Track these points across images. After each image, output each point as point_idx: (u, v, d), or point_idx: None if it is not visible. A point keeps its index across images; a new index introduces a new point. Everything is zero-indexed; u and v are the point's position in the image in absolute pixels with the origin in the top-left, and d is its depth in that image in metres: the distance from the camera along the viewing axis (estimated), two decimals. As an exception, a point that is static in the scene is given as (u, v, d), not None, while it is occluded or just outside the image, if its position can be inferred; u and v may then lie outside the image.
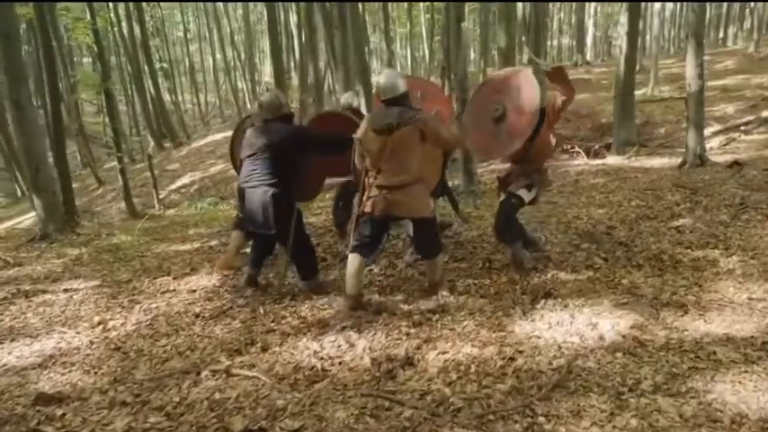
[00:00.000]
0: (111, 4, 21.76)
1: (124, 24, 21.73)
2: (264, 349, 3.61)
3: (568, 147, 11.64)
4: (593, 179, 8.41)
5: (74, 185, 15.59)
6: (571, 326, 3.61)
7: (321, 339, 3.67)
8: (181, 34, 38.36)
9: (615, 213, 6.35)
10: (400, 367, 3.20)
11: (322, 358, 3.40)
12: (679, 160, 8.65)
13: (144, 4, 25.81)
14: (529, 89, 4.23)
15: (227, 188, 13.52)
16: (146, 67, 22.06)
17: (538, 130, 4.34)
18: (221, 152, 17.56)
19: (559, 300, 4.03)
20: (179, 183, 15.87)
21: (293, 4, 20.70)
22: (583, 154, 10.88)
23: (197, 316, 4.21)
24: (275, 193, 4.19)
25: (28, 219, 13.55)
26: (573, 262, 4.83)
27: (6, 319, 4.36)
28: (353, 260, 4.04)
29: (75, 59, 28.26)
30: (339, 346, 3.55)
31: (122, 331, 4.03)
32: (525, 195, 4.65)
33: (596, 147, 11.68)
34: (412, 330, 3.71)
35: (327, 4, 11.49)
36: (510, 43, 9.82)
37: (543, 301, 4.04)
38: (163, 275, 5.21)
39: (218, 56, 41.47)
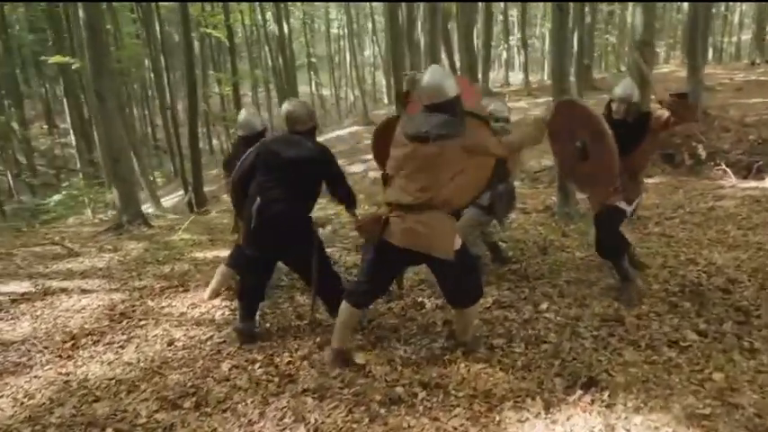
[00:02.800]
0: (258, 3, 22.87)
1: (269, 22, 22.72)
2: (198, 406, 2.95)
3: (715, 163, 9.50)
4: (733, 208, 6.57)
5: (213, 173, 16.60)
6: (604, 444, 2.46)
7: (268, 405, 2.92)
8: (334, 30, 39.60)
9: (747, 260, 4.74)
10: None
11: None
12: None
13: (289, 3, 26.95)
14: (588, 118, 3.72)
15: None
16: (279, 62, 22.67)
17: (639, 143, 3.86)
18: (341, 148, 17.48)
19: (606, 393, 2.84)
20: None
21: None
22: (730, 173, 8.77)
23: (164, 363, 3.51)
24: (294, 212, 3.52)
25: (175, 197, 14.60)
26: (653, 332, 3.51)
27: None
28: (345, 309, 3.18)
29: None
30: (280, 421, 2.77)
31: (83, 361, 3.62)
32: (626, 208, 4.07)
33: (759, 164, 9.40)
34: (382, 411, 2.80)
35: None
36: (648, 36, 8.16)
37: (581, 391, 2.88)
38: (178, 289, 4.79)
39: (367, 52, 42.47)
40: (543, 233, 5.83)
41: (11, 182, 20.90)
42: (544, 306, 3.98)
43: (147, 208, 11.43)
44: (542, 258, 5.10)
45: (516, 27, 31.49)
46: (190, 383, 3.19)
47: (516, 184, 6.33)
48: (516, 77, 28.68)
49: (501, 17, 29.61)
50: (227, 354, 3.55)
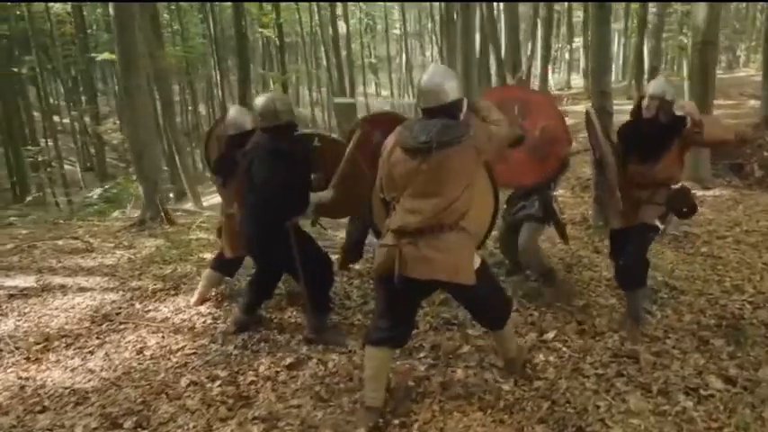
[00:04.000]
0: (315, 3, 22.99)
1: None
2: (137, 427, 2.71)
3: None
4: (802, 226, 5.79)
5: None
6: None
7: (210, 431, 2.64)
8: (396, 31, 39.38)
9: (807, 292, 4.07)
10: None
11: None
12: None
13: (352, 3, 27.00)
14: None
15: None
16: (331, 60, 22.59)
17: (668, 148, 3.42)
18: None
19: (595, 449, 2.39)
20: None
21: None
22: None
23: (126, 373, 3.30)
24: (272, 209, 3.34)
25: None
26: (671, 374, 2.99)
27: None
28: (372, 356, 2.69)
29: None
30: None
31: (49, 365, 3.47)
32: (661, 225, 3.57)
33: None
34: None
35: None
36: (711, 36, 7.41)
37: (565, 444, 2.43)
38: (170, 292, 4.61)
39: (428, 53, 42.01)
40: (573, 248, 5.30)
41: (80, 174, 21.97)
42: (550, 335, 3.52)
43: (187, 205, 11.56)
44: (565, 276, 4.59)
45: (581, 28, 30.20)
46: (140, 399, 2.97)
47: (559, 191, 5.82)
48: (581, 81, 27.52)
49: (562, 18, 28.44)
50: (192, 368, 3.31)
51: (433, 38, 33.23)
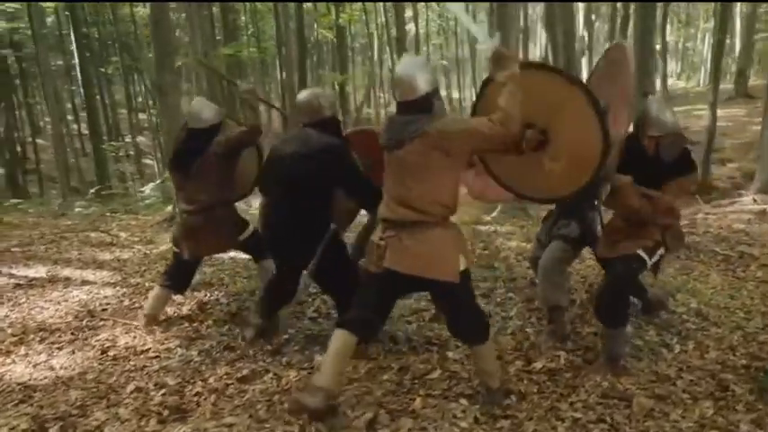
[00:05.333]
0: (381, 4, 22.94)
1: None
2: (60, 435, 2.58)
3: None
4: None
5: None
6: None
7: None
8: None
9: None
10: None
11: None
12: None
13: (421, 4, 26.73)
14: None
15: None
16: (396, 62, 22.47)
17: (671, 175, 2.92)
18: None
19: None
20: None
21: None
22: None
23: (82, 373, 3.18)
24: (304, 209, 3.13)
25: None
26: (668, 425, 2.50)
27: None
28: (339, 338, 2.60)
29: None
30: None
31: (15, 359, 3.43)
32: (648, 257, 3.02)
33: None
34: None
35: None
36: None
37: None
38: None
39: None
40: (598, 267, 4.76)
41: (157, 167, 23.08)
42: (538, 364, 3.09)
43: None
44: (584, 297, 4.12)
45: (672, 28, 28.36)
46: (80, 403, 2.84)
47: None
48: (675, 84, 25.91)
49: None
50: (147, 372, 3.17)
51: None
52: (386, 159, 2.62)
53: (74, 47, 17.82)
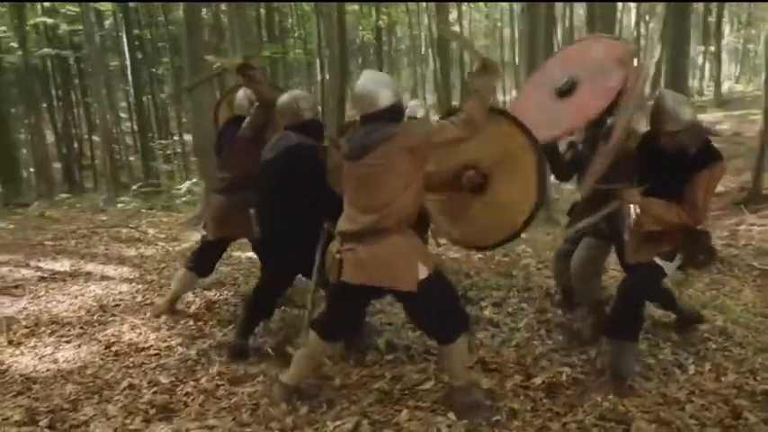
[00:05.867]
0: (425, 5, 22.80)
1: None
2: (51, 426, 2.62)
3: None
4: None
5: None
6: None
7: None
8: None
9: None
10: None
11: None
12: None
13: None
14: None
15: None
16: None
17: (694, 169, 2.72)
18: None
19: None
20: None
21: None
22: None
23: (82, 367, 3.25)
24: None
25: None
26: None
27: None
28: (312, 340, 2.74)
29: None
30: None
31: (24, 350, 3.53)
32: (666, 266, 2.86)
33: None
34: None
35: None
36: None
37: None
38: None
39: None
40: (619, 275, 4.54)
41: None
42: (538, 380, 2.95)
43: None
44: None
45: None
46: (74, 398, 2.90)
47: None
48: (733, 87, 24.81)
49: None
50: (143, 370, 3.20)
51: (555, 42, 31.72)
52: (345, 170, 2.61)
53: (125, 48, 18.46)
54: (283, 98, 3.26)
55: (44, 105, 20.50)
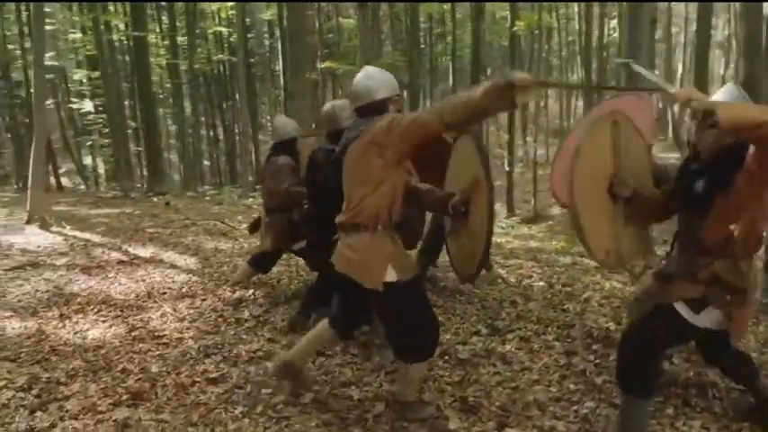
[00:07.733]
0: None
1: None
2: (39, 395, 2.90)
3: None
4: None
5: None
6: None
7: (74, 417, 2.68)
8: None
9: None
10: None
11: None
12: None
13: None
14: None
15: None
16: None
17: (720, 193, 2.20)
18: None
19: None
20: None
21: None
22: None
23: (99, 347, 3.54)
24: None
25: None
26: None
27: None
28: (322, 328, 2.83)
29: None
30: None
31: (69, 324, 3.95)
32: (687, 313, 2.31)
33: None
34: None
35: None
36: None
37: None
38: (219, 281, 4.86)
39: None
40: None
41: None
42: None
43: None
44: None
45: None
46: (72, 373, 3.18)
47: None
48: None
49: None
50: (145, 357, 3.41)
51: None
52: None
53: (279, 55, 19.94)
54: (326, 107, 3.49)
55: (214, 105, 22.66)
